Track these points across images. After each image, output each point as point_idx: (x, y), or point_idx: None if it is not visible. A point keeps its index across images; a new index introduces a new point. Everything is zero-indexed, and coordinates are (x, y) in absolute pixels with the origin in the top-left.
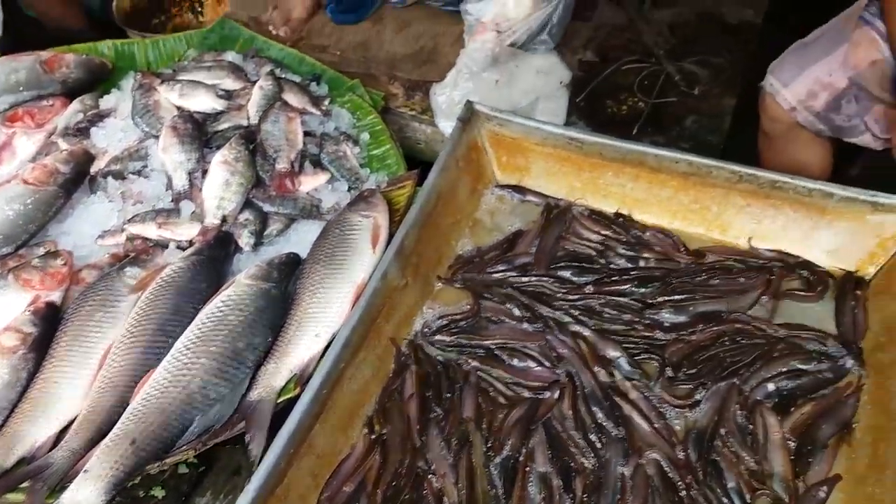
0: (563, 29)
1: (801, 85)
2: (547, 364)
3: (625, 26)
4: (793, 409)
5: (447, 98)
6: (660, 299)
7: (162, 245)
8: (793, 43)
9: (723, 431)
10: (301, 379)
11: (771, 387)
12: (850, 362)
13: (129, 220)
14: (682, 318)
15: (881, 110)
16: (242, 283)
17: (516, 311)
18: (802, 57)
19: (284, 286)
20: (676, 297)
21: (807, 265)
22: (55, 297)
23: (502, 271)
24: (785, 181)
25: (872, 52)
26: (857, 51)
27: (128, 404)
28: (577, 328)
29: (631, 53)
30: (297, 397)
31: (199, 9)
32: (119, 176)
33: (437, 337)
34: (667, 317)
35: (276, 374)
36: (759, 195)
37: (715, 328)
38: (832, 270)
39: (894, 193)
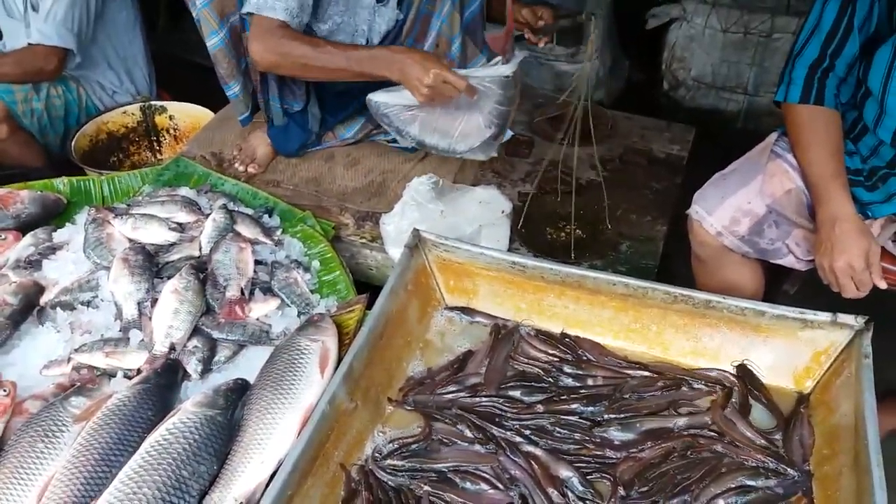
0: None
1: (724, 212)
2: (500, 486)
3: (560, 161)
4: None
5: (395, 227)
6: (607, 417)
7: (109, 374)
8: (714, 174)
9: None
10: None
11: (722, 503)
12: (800, 486)
13: (76, 350)
14: (630, 436)
15: (801, 234)
16: (188, 410)
17: (468, 433)
18: (722, 187)
19: (231, 413)
20: (623, 414)
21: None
22: None
23: (453, 392)
24: (718, 301)
25: (786, 182)
26: (772, 181)
27: None
28: (529, 448)
29: (567, 185)
30: None
31: (158, 147)
32: (68, 307)
33: (389, 461)
34: (616, 434)
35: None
36: (695, 315)
37: (664, 444)
38: (772, 386)
39: (827, 310)
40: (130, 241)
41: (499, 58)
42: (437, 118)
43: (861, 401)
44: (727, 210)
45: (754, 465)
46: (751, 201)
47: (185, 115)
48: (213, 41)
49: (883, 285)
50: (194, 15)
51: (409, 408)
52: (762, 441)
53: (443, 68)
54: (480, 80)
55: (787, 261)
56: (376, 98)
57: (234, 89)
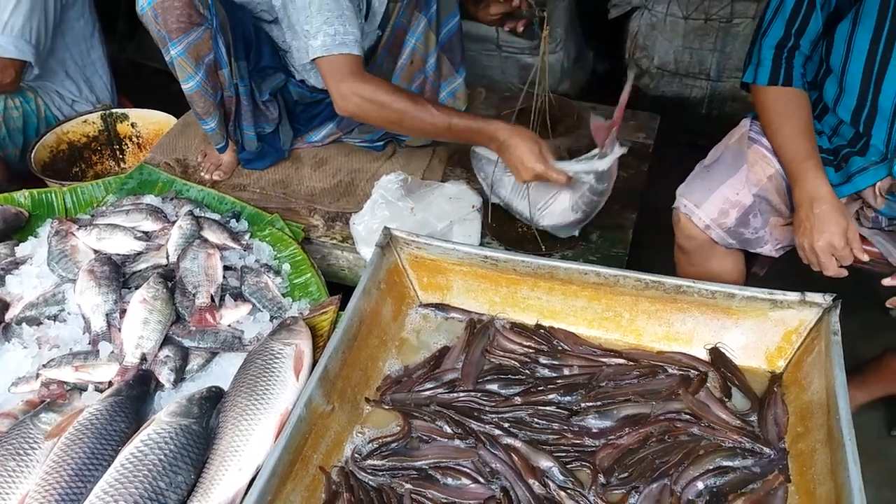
0: None
1: (712, 204)
2: (481, 480)
3: None
4: None
5: (366, 226)
6: (585, 405)
7: (80, 388)
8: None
9: None
10: None
11: (700, 485)
12: (776, 464)
13: (45, 365)
14: (608, 423)
15: (775, 222)
16: (162, 420)
17: (447, 428)
18: (707, 179)
19: (206, 421)
20: (600, 402)
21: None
22: None
23: (431, 389)
24: (688, 286)
25: (767, 168)
26: (755, 169)
27: None
28: (508, 441)
29: None
30: None
31: (121, 156)
32: (34, 322)
33: (369, 461)
34: (594, 422)
35: None
36: (667, 300)
37: (641, 430)
38: (746, 367)
39: (793, 290)
40: (96, 252)
41: (597, 151)
42: (530, 189)
43: (832, 377)
44: (716, 202)
45: (731, 445)
46: (738, 192)
47: (148, 121)
48: (190, 85)
49: (865, 258)
50: (167, 60)
51: (386, 407)
52: (737, 422)
53: (541, 165)
54: (577, 173)
55: (765, 249)
56: (480, 151)
57: (210, 124)
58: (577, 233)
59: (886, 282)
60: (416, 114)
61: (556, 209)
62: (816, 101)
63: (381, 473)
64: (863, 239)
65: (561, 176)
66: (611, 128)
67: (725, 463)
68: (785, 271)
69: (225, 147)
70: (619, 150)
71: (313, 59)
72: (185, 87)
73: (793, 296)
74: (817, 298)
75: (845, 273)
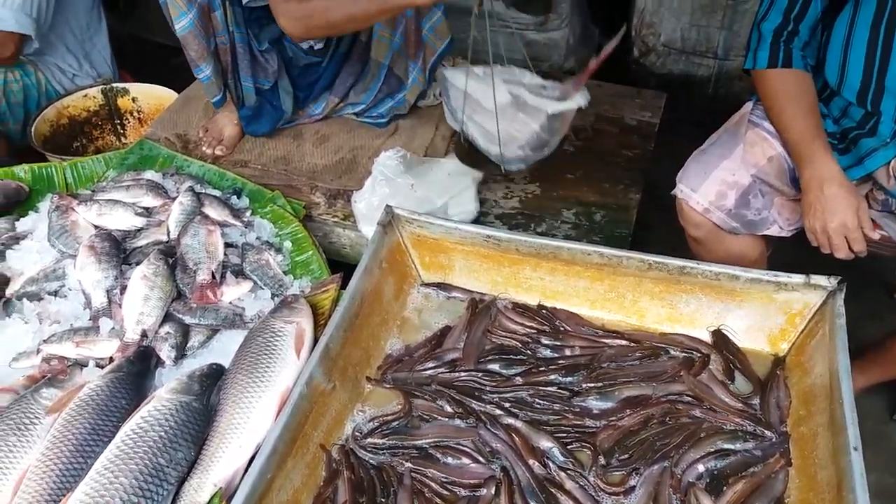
0: None
1: (709, 187)
2: (481, 460)
3: None
4: (725, 488)
5: (367, 204)
6: (586, 386)
7: (81, 364)
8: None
9: None
10: (226, 493)
11: (701, 468)
12: (777, 448)
13: (46, 341)
14: (609, 404)
15: (781, 201)
16: (163, 397)
17: (448, 408)
18: (703, 162)
19: (207, 398)
20: (601, 383)
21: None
22: None
23: (432, 368)
24: (692, 266)
25: (767, 150)
26: (753, 150)
27: None
28: (509, 421)
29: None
30: None
31: (122, 131)
32: (35, 297)
33: (369, 440)
34: (595, 403)
35: (199, 490)
36: (670, 281)
37: (642, 411)
38: (748, 350)
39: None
40: (96, 227)
41: (559, 86)
42: (484, 118)
43: (835, 361)
44: (712, 184)
45: (732, 428)
46: (735, 173)
47: (149, 96)
48: (182, 24)
49: (876, 236)
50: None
51: (388, 386)
52: (739, 405)
53: None
54: (536, 99)
55: (773, 230)
56: (448, 74)
57: (205, 72)
58: (523, 166)
59: None
60: (339, 4)
61: (506, 139)
62: (823, 87)
63: (381, 452)
64: (873, 222)
65: None
66: (582, 76)
67: (727, 446)
68: (790, 254)
69: (221, 101)
70: (578, 101)
71: None
72: (177, 26)
73: (797, 278)
74: (822, 281)
75: (853, 256)
